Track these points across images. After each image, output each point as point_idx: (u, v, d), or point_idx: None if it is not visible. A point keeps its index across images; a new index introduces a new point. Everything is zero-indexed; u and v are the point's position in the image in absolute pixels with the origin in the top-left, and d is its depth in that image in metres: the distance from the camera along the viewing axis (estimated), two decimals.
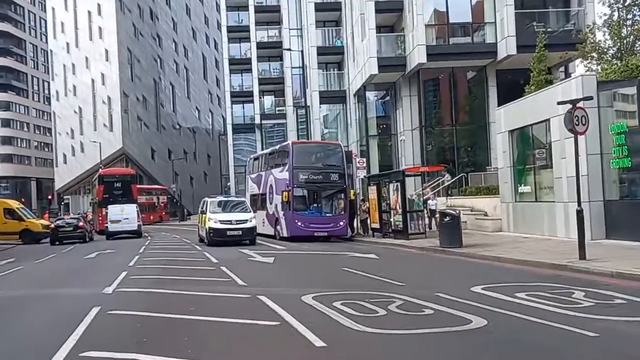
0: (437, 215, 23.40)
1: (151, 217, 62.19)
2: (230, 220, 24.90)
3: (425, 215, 24.26)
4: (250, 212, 26.54)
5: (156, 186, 73.23)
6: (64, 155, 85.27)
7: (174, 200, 77.61)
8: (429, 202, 24.18)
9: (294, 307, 9.30)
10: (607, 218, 17.75)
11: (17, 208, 37.87)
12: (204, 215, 26.32)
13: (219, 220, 24.76)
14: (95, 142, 75.07)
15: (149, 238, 33.31)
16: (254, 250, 21.18)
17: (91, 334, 7.93)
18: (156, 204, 68.82)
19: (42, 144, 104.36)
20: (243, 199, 30.48)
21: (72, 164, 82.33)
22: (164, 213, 71.43)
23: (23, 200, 59.49)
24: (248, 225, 24.90)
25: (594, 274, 12.01)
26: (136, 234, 36.18)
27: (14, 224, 36.05)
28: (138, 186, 53.26)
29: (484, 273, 13.16)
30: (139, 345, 7.25)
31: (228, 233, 24.53)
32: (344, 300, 9.68)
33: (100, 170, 54.11)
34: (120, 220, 36.47)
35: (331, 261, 17.13)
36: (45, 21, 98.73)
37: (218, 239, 24.43)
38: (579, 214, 14.15)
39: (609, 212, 17.76)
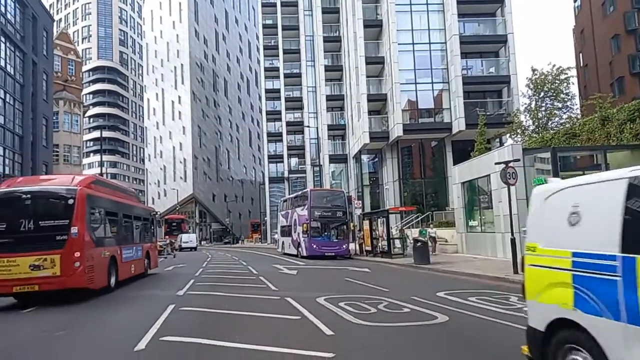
0: (436, 240, 23.17)
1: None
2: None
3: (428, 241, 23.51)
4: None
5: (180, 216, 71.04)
6: (152, 199, 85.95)
7: (227, 229, 77.45)
8: (429, 230, 23.37)
9: (311, 306, 9.16)
10: None
11: None
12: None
13: None
14: (174, 189, 75.65)
15: (209, 256, 33.08)
16: (283, 265, 20.99)
17: (168, 324, 7.83)
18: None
19: (138, 190, 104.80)
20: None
21: (158, 205, 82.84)
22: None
23: None
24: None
25: None
26: (195, 249, 48.69)
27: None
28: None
29: (446, 283, 12.92)
30: (201, 332, 7.15)
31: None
32: (347, 301, 9.53)
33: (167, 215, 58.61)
34: (187, 242, 49.91)
35: (337, 273, 16.93)
36: (142, 107, 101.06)
37: None
38: (512, 241, 14.00)
39: None
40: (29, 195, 11.16)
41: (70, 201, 11.12)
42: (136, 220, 16.63)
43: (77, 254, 10.91)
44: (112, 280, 13.15)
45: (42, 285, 10.62)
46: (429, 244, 22.70)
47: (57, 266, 10.62)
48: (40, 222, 10.85)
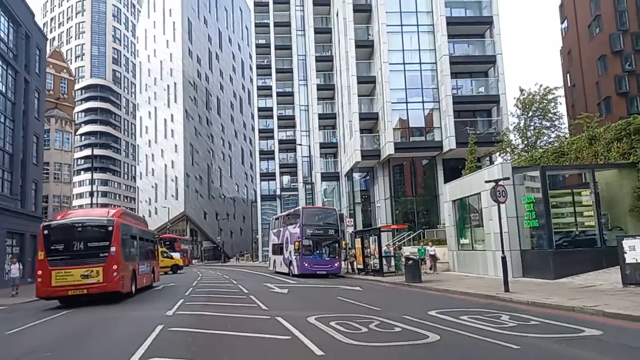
0: (436, 259, 22.77)
1: (185, 261, 60.66)
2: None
3: (427, 260, 22.67)
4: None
5: (186, 237, 70.82)
6: (144, 216, 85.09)
7: (218, 247, 76.74)
8: (428, 248, 22.94)
9: (301, 325, 9.06)
10: (523, 262, 17.52)
11: (165, 251, 40.99)
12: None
13: None
14: (165, 207, 75.14)
15: (200, 275, 32.69)
16: (274, 284, 20.80)
17: (156, 346, 7.71)
18: (187, 251, 67.04)
19: (129, 208, 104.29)
20: None
21: (149, 223, 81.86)
22: (190, 259, 68.45)
23: None
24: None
25: (515, 302, 11.74)
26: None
27: (168, 261, 39.08)
28: (175, 236, 61.03)
29: (437, 301, 12.85)
30: (190, 353, 7.06)
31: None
32: (338, 320, 9.45)
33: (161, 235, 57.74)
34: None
35: (328, 292, 16.79)
36: (135, 125, 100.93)
37: None
38: (503, 259, 13.99)
39: (524, 258, 17.54)
40: (80, 224, 15.48)
41: (110, 228, 15.32)
42: (146, 242, 20.91)
43: (115, 267, 15.03)
44: (134, 288, 17.15)
45: (90, 289, 14.69)
46: (428, 262, 22.55)
47: (101, 275, 14.73)
48: (88, 244, 15.06)
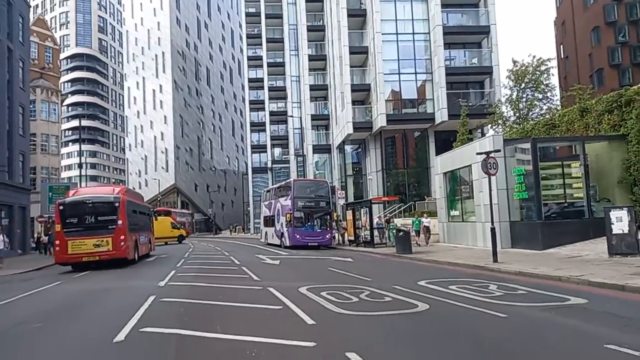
0: (430, 231, 22.23)
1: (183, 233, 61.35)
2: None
3: (422, 232, 22.05)
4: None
5: (184, 210, 71.41)
6: (133, 189, 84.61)
7: (210, 219, 76.86)
8: (423, 220, 22.24)
9: (293, 295, 9.17)
10: (512, 233, 17.76)
11: (174, 222, 45.43)
12: None
13: None
14: (155, 179, 74.78)
15: (192, 247, 32.85)
16: (265, 255, 20.97)
17: (148, 316, 7.77)
18: (185, 223, 67.69)
19: (118, 180, 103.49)
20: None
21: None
22: (189, 230, 69.57)
23: None
24: None
25: (503, 272, 11.96)
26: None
27: (176, 232, 43.47)
28: (172, 209, 62.35)
29: (427, 272, 13.06)
30: (182, 323, 7.12)
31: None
32: (329, 290, 9.57)
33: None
34: None
35: (320, 263, 16.98)
36: (123, 96, 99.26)
37: None
38: (492, 230, 14.17)
39: (513, 229, 17.78)
40: (91, 201, 17.89)
41: (116, 204, 17.72)
42: (145, 215, 23.27)
43: (122, 237, 17.44)
44: (136, 256, 19.60)
45: (101, 256, 17.09)
46: (422, 234, 22.28)
47: (110, 244, 17.18)
48: (98, 217, 17.44)
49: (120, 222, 17.44)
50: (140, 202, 23.52)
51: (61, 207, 17.36)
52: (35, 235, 33.54)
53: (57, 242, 17.23)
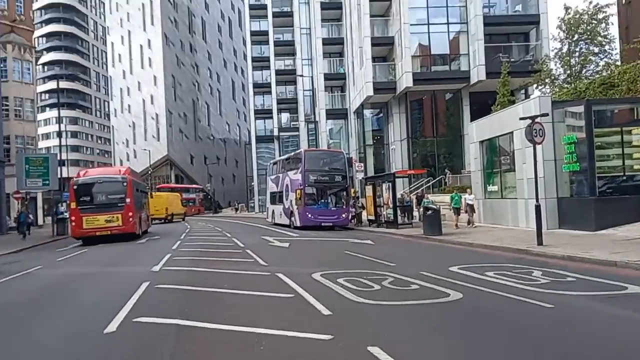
0: (475, 209, 21.83)
1: (192, 210, 62.79)
2: None
3: (465, 210, 21.66)
4: None
5: (194, 185, 73.41)
6: (121, 160, 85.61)
7: (209, 196, 77.68)
8: (467, 197, 21.61)
9: (306, 282, 9.28)
10: (560, 212, 17.69)
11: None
12: None
13: None
14: (145, 150, 75.37)
15: (188, 227, 33.30)
16: (273, 237, 21.19)
17: (141, 304, 7.94)
18: (195, 200, 69.35)
19: (103, 151, 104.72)
20: None
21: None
22: (201, 207, 71.68)
23: None
24: None
25: (549, 257, 11.95)
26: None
27: (184, 208, 51.58)
28: (179, 186, 67.34)
29: (459, 256, 13.10)
30: (180, 313, 7.25)
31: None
32: (346, 277, 9.66)
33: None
34: None
35: (335, 246, 17.11)
36: (106, 53, 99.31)
37: None
38: (537, 208, 14.09)
39: (561, 207, 17.69)
40: (102, 181, 22.41)
41: (124, 184, 22.26)
42: (143, 194, 28.05)
43: (130, 214, 21.99)
44: (140, 231, 24.40)
45: (112, 230, 21.50)
46: (462, 214, 21.47)
47: (120, 220, 21.68)
48: (108, 196, 21.83)
49: (128, 200, 21.85)
50: (140, 180, 28.87)
51: (75, 187, 21.83)
52: (17, 213, 33.76)
53: (73, 218, 21.71)
